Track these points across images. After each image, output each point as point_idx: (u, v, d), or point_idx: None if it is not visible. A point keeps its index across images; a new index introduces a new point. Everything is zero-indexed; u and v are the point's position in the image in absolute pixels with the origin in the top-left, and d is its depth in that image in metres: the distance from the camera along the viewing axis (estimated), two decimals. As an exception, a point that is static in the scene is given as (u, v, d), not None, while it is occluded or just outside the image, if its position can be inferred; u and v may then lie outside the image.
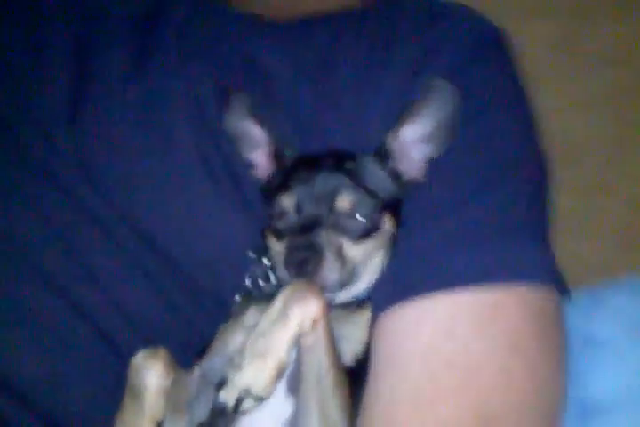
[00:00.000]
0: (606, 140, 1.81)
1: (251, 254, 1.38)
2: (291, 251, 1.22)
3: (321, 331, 1.16)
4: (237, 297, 1.37)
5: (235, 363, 1.15)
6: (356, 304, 1.30)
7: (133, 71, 1.47)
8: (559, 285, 1.27)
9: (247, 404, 1.13)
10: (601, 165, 1.82)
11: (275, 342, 1.14)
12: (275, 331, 1.15)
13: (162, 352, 1.23)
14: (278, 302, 1.17)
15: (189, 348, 1.30)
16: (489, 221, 1.28)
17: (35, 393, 1.30)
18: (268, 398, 1.14)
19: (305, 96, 1.43)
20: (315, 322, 1.15)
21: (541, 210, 1.36)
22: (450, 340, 1.17)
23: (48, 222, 1.38)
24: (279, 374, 1.14)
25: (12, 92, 1.46)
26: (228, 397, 1.13)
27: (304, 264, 1.20)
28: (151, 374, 1.20)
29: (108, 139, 1.42)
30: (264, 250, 1.36)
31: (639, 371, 1.32)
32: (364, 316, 1.29)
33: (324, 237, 1.23)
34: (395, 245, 1.32)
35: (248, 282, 1.37)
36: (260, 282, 1.36)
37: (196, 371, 1.27)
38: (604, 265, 1.74)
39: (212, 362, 1.27)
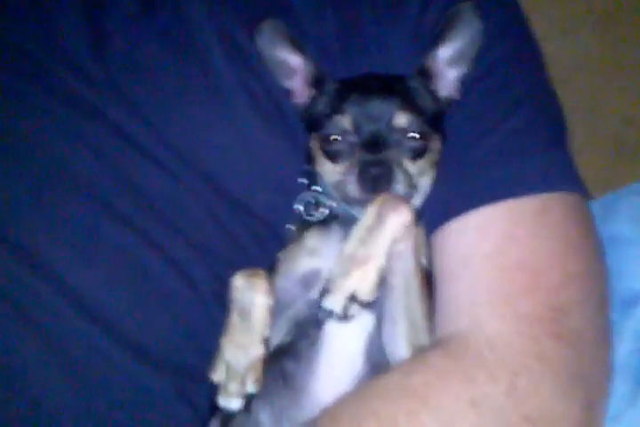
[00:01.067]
0: (594, 62, 1.89)
1: (302, 181, 1.40)
2: (364, 168, 1.25)
3: (411, 237, 1.22)
4: (291, 226, 1.40)
5: (333, 274, 1.19)
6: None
7: (144, 4, 1.44)
8: (585, 191, 1.37)
9: (353, 309, 1.17)
10: (590, 86, 1.90)
11: (374, 247, 1.19)
12: (373, 238, 1.19)
13: (261, 272, 1.25)
14: (372, 211, 1.21)
15: None
16: (526, 135, 1.34)
17: (122, 324, 1.29)
18: (373, 302, 1.18)
19: (329, 26, 1.44)
20: (407, 227, 1.21)
21: (562, 123, 1.44)
22: (514, 242, 1.24)
23: (101, 155, 1.35)
24: (380, 279, 1.19)
25: (35, 26, 1.40)
26: (334, 304, 1.17)
27: (378, 179, 1.24)
28: (258, 292, 1.22)
29: (137, 65, 1.40)
30: (313, 176, 1.39)
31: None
32: (421, 232, 1.34)
33: (391, 154, 1.28)
34: (442, 161, 1.36)
35: (300, 208, 1.39)
36: (312, 207, 1.38)
37: None
38: (602, 178, 1.84)
39: (283, 285, 1.30)
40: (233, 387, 1.20)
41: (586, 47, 1.92)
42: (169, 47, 1.41)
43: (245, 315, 1.22)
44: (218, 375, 1.22)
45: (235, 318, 1.23)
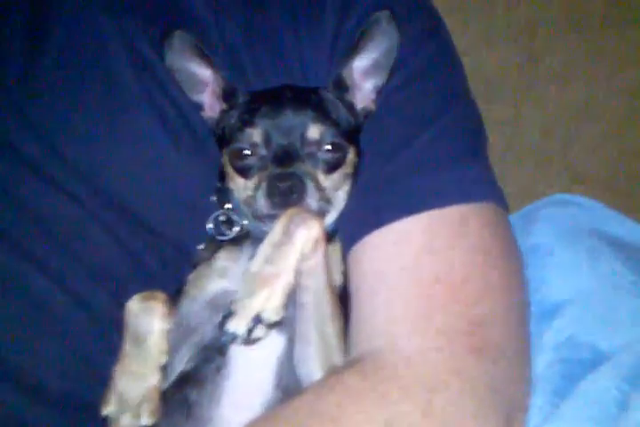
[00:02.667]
0: (514, 74, 1.91)
1: (213, 199, 1.35)
2: (273, 181, 1.20)
3: (321, 252, 1.17)
4: (201, 246, 1.34)
5: (238, 294, 1.13)
6: (327, 237, 1.31)
7: (42, 17, 1.38)
8: (503, 202, 1.36)
9: (259, 331, 1.11)
10: (511, 98, 1.92)
11: (281, 264, 1.14)
12: (280, 254, 1.14)
13: (160, 294, 1.19)
14: (279, 227, 1.16)
15: None
16: (441, 147, 1.32)
17: (12, 360, 1.21)
18: (279, 322, 1.13)
19: (234, 37, 1.40)
20: (316, 243, 1.16)
21: (482, 133, 1.44)
22: (431, 255, 1.21)
23: None
24: (287, 298, 1.13)
25: None
26: (238, 326, 1.11)
27: (288, 193, 1.19)
28: (154, 316, 1.16)
29: (34, 84, 1.33)
30: (226, 194, 1.34)
31: (584, 272, 1.43)
32: (336, 246, 1.31)
33: (303, 167, 1.24)
34: (357, 174, 1.33)
35: (211, 227, 1.33)
36: (224, 226, 1.33)
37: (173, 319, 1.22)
38: (523, 190, 1.85)
39: (190, 308, 1.24)
40: (126, 420, 1.13)
41: (506, 60, 1.94)
42: (69, 63, 1.35)
43: (140, 341, 1.16)
44: (109, 408, 1.14)
45: (129, 345, 1.16)
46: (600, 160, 1.87)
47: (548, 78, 1.94)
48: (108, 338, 1.23)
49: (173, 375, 1.22)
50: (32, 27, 1.38)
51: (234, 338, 1.11)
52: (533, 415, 1.21)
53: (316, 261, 1.17)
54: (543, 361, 1.30)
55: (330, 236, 1.31)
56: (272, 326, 1.13)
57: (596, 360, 1.28)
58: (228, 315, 1.12)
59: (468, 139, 1.38)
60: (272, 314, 1.12)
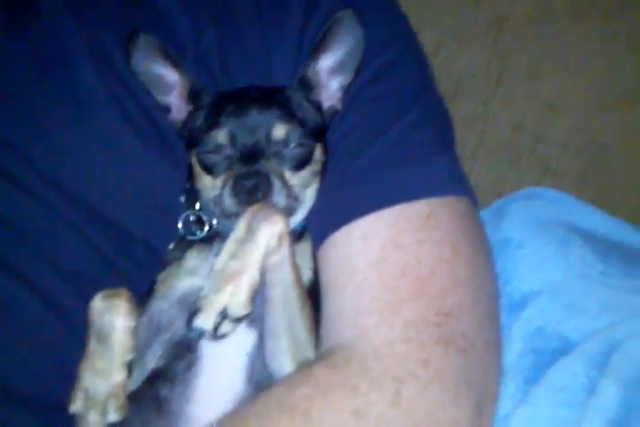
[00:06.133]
0: (483, 70, 1.93)
1: (182, 199, 1.36)
2: (238, 180, 1.21)
3: (286, 248, 1.18)
4: (171, 245, 1.35)
5: (204, 291, 1.14)
6: (297, 234, 1.32)
7: (9, 19, 1.38)
8: (473, 196, 1.38)
9: (225, 327, 1.12)
10: (480, 94, 1.94)
11: (246, 260, 1.15)
12: (245, 250, 1.15)
13: (123, 292, 1.20)
14: (243, 224, 1.17)
15: None
16: (408, 142, 1.34)
17: None
18: (245, 317, 1.14)
19: (209, 38, 1.41)
20: (281, 238, 1.17)
21: (449, 129, 1.45)
22: (398, 249, 1.22)
23: None
24: (253, 294, 1.14)
25: None
26: (205, 322, 1.12)
27: (254, 191, 1.20)
28: (117, 314, 1.16)
29: (2, 91, 1.34)
30: (194, 193, 1.34)
31: (553, 263, 1.45)
32: (306, 243, 1.32)
33: (268, 165, 1.24)
34: (325, 172, 1.35)
35: (180, 227, 1.34)
36: (192, 225, 1.34)
37: (143, 318, 1.24)
38: (494, 184, 1.88)
39: (160, 307, 1.26)
40: (93, 417, 1.14)
41: (475, 56, 1.96)
42: (34, 63, 1.35)
43: (103, 339, 1.16)
44: (76, 405, 1.15)
45: (93, 343, 1.17)
46: (570, 154, 1.89)
47: (517, 74, 1.96)
48: (77, 338, 1.23)
49: (145, 373, 1.23)
50: (2, 27, 1.38)
51: (201, 334, 1.12)
52: (504, 403, 1.23)
53: (282, 256, 1.18)
54: (513, 351, 1.31)
55: (300, 233, 1.33)
56: (238, 320, 1.14)
57: (565, 349, 1.30)
58: (195, 311, 1.13)
59: (435, 134, 1.39)
60: (238, 309, 1.13)
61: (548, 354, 1.31)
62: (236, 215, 1.22)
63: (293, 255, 1.20)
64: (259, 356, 1.21)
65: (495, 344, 1.27)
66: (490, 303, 1.29)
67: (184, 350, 1.21)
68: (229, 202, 1.22)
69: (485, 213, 1.61)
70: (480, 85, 1.97)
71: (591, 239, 1.54)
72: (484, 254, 1.33)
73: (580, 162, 1.88)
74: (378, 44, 1.40)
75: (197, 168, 1.31)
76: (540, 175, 1.91)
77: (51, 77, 1.35)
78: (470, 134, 1.94)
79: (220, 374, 1.20)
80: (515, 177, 1.90)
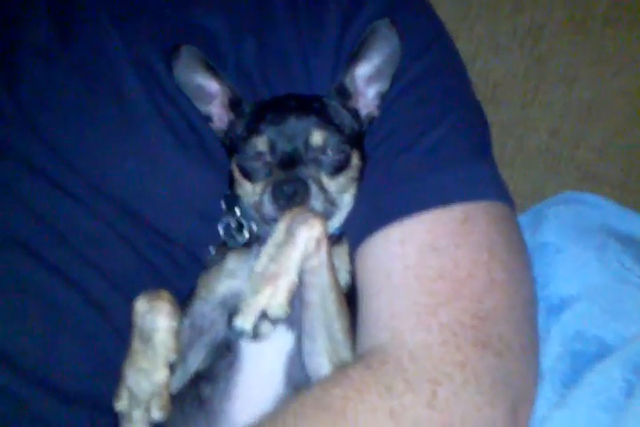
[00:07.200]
0: (520, 77, 1.94)
1: (222, 205, 1.40)
2: (277, 186, 1.25)
3: (324, 251, 1.20)
4: (211, 249, 1.39)
5: (245, 293, 1.18)
6: (335, 238, 1.35)
7: (59, 36, 1.45)
8: (510, 200, 1.38)
9: (265, 327, 1.16)
10: (517, 100, 1.95)
11: (285, 263, 1.18)
12: (283, 253, 1.18)
13: (165, 293, 1.23)
14: (282, 227, 1.21)
15: None
16: (446, 148, 1.36)
17: (30, 361, 1.27)
18: (284, 318, 1.17)
19: (248, 51, 1.46)
20: (319, 241, 1.20)
21: (486, 134, 1.46)
22: (435, 252, 1.24)
23: (11, 191, 1.34)
24: (291, 296, 1.17)
25: None
26: (245, 323, 1.15)
27: (292, 197, 1.24)
28: (159, 314, 1.20)
29: (49, 98, 1.40)
30: (234, 200, 1.39)
31: (592, 267, 1.45)
32: (344, 247, 1.35)
33: (306, 171, 1.28)
34: (363, 177, 1.38)
35: (221, 232, 1.38)
36: (233, 231, 1.38)
37: (185, 320, 1.28)
38: (533, 189, 1.88)
39: (201, 309, 1.30)
40: (137, 415, 1.18)
41: (512, 63, 1.97)
42: (82, 78, 1.41)
43: (146, 339, 1.20)
44: (121, 404, 1.19)
45: (136, 343, 1.20)
46: (608, 158, 1.88)
47: (554, 80, 1.96)
48: (123, 339, 1.28)
49: (189, 374, 1.27)
50: (48, 42, 1.45)
51: (241, 334, 1.16)
52: (541, 405, 1.24)
53: (320, 259, 1.20)
54: (551, 354, 1.32)
55: (337, 237, 1.36)
56: (277, 322, 1.17)
57: (603, 353, 1.30)
58: (235, 312, 1.17)
59: (473, 138, 1.41)
60: (277, 310, 1.16)
61: (587, 358, 1.31)
62: (275, 220, 1.26)
63: (331, 259, 1.22)
64: (297, 357, 1.24)
65: (532, 347, 1.27)
66: (526, 307, 1.29)
67: (225, 351, 1.25)
68: (269, 207, 1.26)
69: (524, 218, 1.62)
70: (518, 91, 1.98)
71: (630, 244, 1.53)
72: (521, 258, 1.33)
73: (618, 167, 1.87)
74: (415, 52, 1.43)
75: (237, 175, 1.35)
76: (579, 180, 1.91)
77: (98, 91, 1.41)
78: (509, 140, 1.96)
79: (259, 373, 1.23)
80: (553, 182, 1.90)
